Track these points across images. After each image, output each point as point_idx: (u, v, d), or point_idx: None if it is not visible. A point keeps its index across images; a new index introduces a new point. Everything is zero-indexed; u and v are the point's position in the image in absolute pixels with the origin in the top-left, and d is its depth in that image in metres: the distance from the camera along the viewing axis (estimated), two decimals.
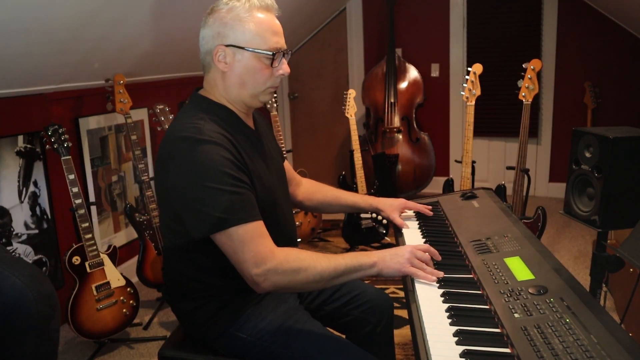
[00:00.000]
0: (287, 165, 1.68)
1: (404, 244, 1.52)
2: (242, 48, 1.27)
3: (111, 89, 2.60)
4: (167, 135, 1.29)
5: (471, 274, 1.27)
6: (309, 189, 1.73)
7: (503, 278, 1.19)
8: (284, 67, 1.33)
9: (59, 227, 2.60)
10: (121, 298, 2.35)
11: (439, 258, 1.33)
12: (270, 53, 1.29)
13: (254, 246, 1.18)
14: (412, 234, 1.59)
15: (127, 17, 2.33)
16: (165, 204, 1.32)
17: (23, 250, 2.42)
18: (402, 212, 1.70)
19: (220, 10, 1.28)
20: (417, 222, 1.67)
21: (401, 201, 1.71)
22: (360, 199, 1.73)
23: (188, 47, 3.02)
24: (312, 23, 4.64)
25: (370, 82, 4.32)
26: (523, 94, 2.58)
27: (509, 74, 3.29)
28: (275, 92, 1.44)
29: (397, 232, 1.65)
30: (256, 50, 1.27)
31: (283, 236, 1.39)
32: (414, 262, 1.27)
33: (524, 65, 2.58)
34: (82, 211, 2.23)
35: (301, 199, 1.70)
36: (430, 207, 1.72)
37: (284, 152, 2.73)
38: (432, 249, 1.33)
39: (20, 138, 2.38)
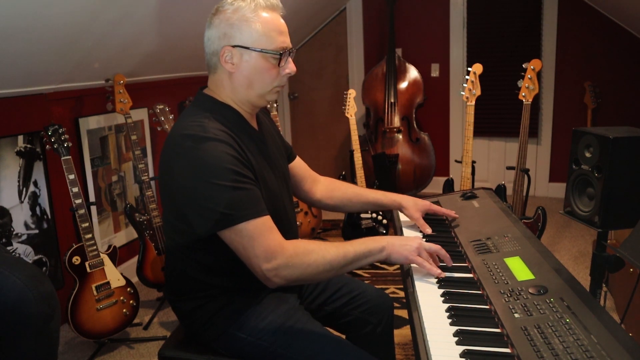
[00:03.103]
0: (301, 162, 1.65)
1: None
2: (250, 48, 1.27)
3: (111, 89, 2.60)
4: (171, 133, 1.30)
5: (471, 274, 1.27)
6: (328, 186, 1.69)
7: (503, 278, 1.19)
8: (290, 66, 1.33)
9: (59, 227, 2.60)
10: (121, 298, 2.35)
11: (450, 264, 1.31)
12: (278, 53, 1.29)
13: (263, 240, 1.18)
14: (412, 234, 1.58)
15: (127, 17, 2.33)
16: (169, 202, 1.32)
17: (23, 250, 2.41)
18: (424, 215, 1.63)
19: (225, 11, 1.28)
20: None
21: (426, 203, 1.64)
22: (382, 195, 1.66)
23: (188, 46, 3.02)
24: (312, 23, 4.64)
25: (370, 82, 4.32)
26: (523, 94, 2.58)
27: (509, 74, 3.29)
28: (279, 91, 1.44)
29: (398, 231, 1.64)
30: (263, 51, 1.28)
31: (286, 237, 1.39)
32: (422, 253, 1.27)
33: (524, 65, 2.58)
34: (82, 211, 2.23)
35: (319, 197, 1.66)
36: (454, 211, 1.65)
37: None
38: (443, 251, 1.31)
39: (20, 138, 2.38)
